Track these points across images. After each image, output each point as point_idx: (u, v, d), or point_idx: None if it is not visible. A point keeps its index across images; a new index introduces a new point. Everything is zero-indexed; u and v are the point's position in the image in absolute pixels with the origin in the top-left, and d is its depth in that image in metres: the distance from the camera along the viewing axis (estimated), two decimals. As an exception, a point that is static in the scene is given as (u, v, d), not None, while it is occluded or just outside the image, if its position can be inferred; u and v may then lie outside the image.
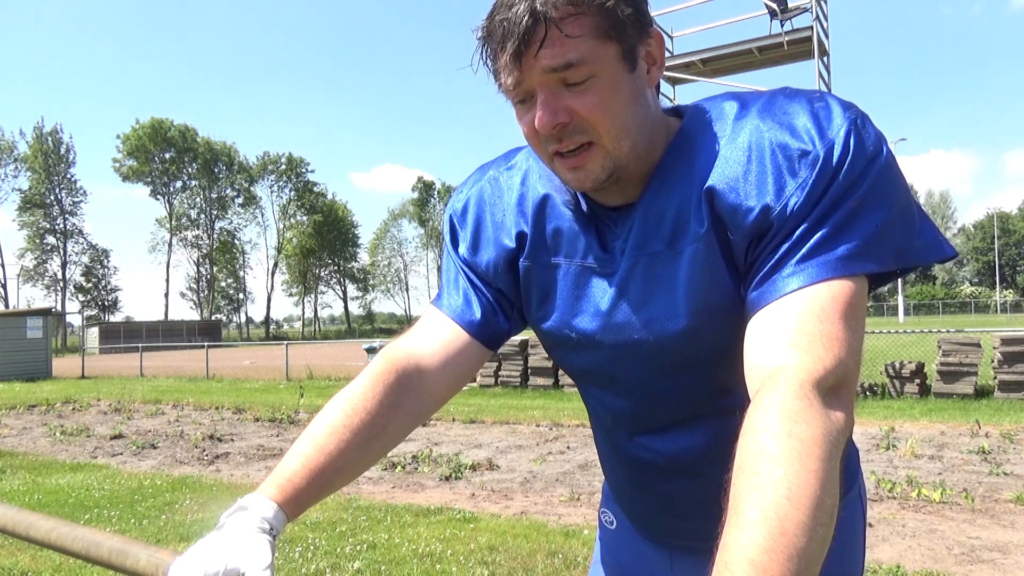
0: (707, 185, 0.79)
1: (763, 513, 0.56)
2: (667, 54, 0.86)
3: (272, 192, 70.77)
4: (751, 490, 0.58)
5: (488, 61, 0.80)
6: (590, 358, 0.93)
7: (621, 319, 0.88)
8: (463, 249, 1.00)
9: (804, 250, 0.73)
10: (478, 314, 0.96)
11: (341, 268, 75.11)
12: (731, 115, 0.81)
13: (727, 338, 0.79)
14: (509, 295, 0.98)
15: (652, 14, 0.83)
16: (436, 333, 0.96)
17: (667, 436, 0.94)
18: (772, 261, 0.75)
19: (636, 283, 0.86)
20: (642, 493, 1.02)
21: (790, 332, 0.70)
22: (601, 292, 0.89)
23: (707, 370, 0.86)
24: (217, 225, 67.73)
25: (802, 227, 0.73)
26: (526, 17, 0.74)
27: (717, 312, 0.81)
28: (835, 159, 0.73)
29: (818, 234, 0.72)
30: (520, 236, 0.94)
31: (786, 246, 0.74)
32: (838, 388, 0.68)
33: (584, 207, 0.89)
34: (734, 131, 0.80)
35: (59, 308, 54.10)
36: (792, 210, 0.73)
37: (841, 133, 0.74)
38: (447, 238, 1.03)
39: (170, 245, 64.99)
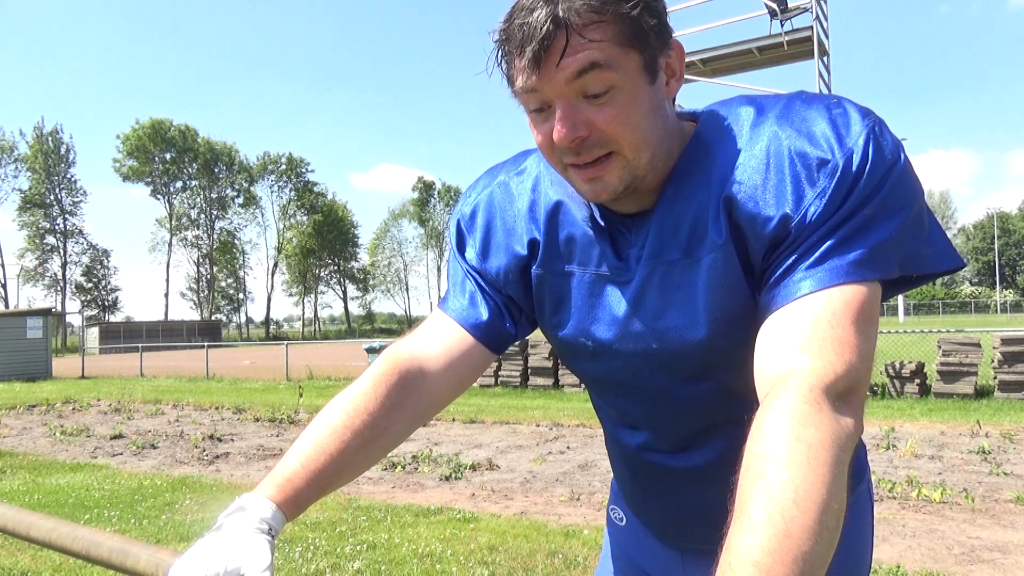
0: (725, 193, 0.78)
1: (769, 515, 0.56)
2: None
3: (272, 192, 70.82)
4: (757, 492, 0.58)
5: (503, 65, 0.79)
6: (607, 366, 0.92)
7: (638, 328, 0.87)
8: (471, 255, 0.98)
9: (817, 255, 0.72)
10: (484, 317, 0.95)
11: (341, 268, 75.09)
12: (748, 121, 0.80)
13: (745, 346, 0.78)
14: (519, 301, 0.97)
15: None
16: (440, 335, 0.95)
17: (681, 451, 0.94)
18: (785, 265, 0.74)
19: (653, 292, 0.85)
20: (653, 500, 1.02)
21: (801, 336, 0.69)
22: (617, 301, 0.88)
23: (725, 378, 0.85)
24: (217, 225, 67.77)
25: (817, 234, 0.73)
26: (547, 22, 0.72)
27: (736, 320, 0.80)
28: (854, 168, 0.72)
29: (831, 240, 0.72)
30: (532, 243, 0.93)
31: (800, 251, 0.73)
32: (848, 393, 0.67)
33: (597, 214, 0.88)
34: (751, 138, 0.79)
35: (59, 308, 54.12)
36: (811, 219, 0.73)
37: (860, 141, 0.73)
38: (454, 243, 1.01)
39: (170, 245, 65.02)
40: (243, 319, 74.84)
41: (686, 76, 13.83)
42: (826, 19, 13.30)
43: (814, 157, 0.74)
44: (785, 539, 0.54)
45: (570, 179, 0.83)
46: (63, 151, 58.01)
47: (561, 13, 0.72)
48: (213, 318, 63.96)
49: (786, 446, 0.60)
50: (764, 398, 0.68)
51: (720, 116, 0.84)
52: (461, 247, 1.00)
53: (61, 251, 58.95)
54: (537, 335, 1.08)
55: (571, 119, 0.76)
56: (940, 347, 9.55)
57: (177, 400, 12.12)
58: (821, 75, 13.11)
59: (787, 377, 0.67)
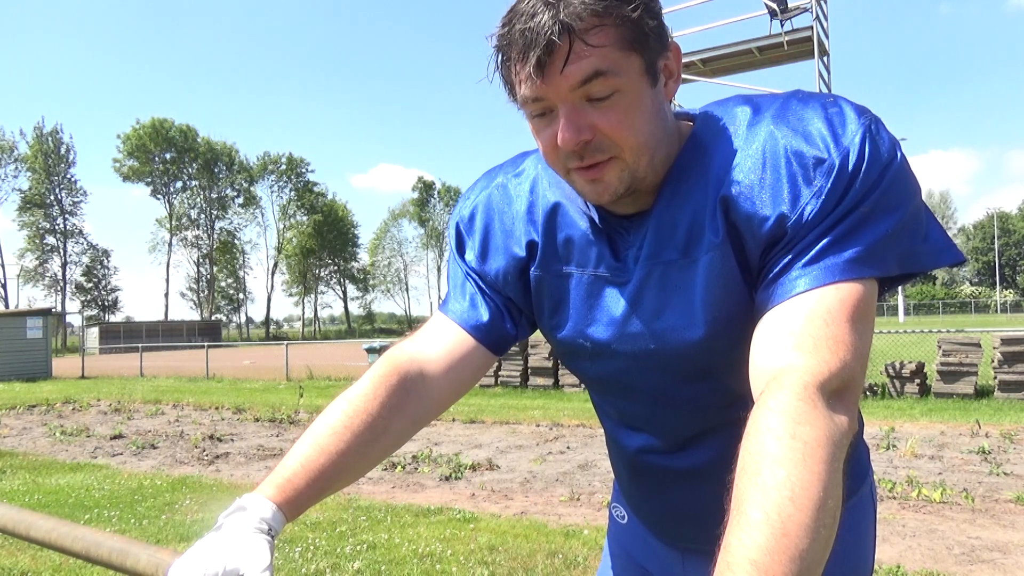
0: (722, 194, 0.78)
1: (766, 514, 0.56)
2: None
3: (272, 192, 70.82)
4: (754, 491, 0.58)
5: (503, 71, 0.78)
6: (605, 367, 0.93)
7: (636, 328, 0.87)
8: (470, 257, 0.98)
9: (812, 253, 0.72)
10: (484, 318, 0.95)
11: (341, 268, 75.06)
12: (744, 121, 0.81)
13: (743, 345, 0.78)
14: (519, 302, 0.97)
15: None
16: (441, 337, 0.95)
17: (680, 451, 0.94)
18: (782, 264, 0.74)
19: (651, 292, 0.85)
20: (652, 500, 1.02)
21: (795, 334, 0.69)
22: (615, 301, 0.88)
23: (723, 377, 0.85)
24: (217, 225, 67.74)
25: (814, 233, 0.73)
26: (550, 27, 0.71)
27: (733, 320, 0.80)
28: (851, 167, 0.72)
29: (828, 238, 0.72)
30: (530, 245, 0.93)
31: (796, 250, 0.74)
32: (842, 391, 0.67)
33: (595, 216, 0.88)
34: (748, 138, 0.79)
35: (59, 308, 54.10)
36: (807, 219, 0.73)
37: (856, 140, 0.73)
38: (453, 245, 1.01)
39: (170, 245, 65.00)
40: (243, 319, 74.87)
41: (686, 76, 13.86)
42: (826, 19, 13.29)
43: (810, 156, 0.74)
44: (782, 537, 0.54)
45: (572, 181, 0.83)
46: (63, 151, 57.99)
47: (564, 18, 0.71)
48: (213, 318, 63.92)
49: (782, 444, 0.60)
50: (759, 396, 0.68)
51: (717, 116, 0.84)
52: (460, 249, 1.00)
53: (61, 251, 58.93)
54: (537, 335, 1.09)
55: (575, 123, 0.75)
56: (940, 347, 9.54)
57: (177, 400, 12.12)
58: (821, 75, 13.11)
59: (782, 375, 0.67)
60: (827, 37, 13.24)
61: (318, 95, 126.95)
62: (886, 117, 0.78)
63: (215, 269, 67.94)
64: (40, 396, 13.46)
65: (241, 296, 71.61)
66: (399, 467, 6.11)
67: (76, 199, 59.59)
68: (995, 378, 9.23)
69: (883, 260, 0.73)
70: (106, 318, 59.49)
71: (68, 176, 58.59)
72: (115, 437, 8.21)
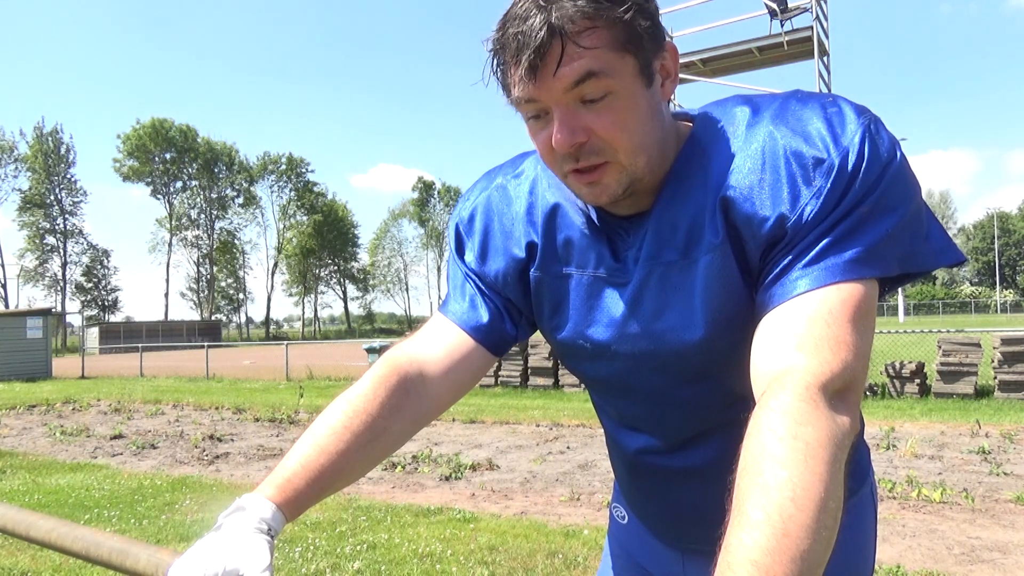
0: (721, 194, 0.78)
1: (767, 514, 0.56)
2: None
3: (272, 192, 70.83)
4: (755, 491, 0.58)
5: (499, 74, 0.79)
6: (605, 368, 0.93)
7: (636, 329, 0.87)
8: (470, 258, 0.98)
9: (813, 253, 0.72)
10: (484, 319, 0.95)
11: (341, 268, 75.07)
12: (743, 121, 0.80)
13: (743, 346, 0.78)
14: (518, 303, 0.97)
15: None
16: (440, 338, 0.95)
17: (680, 450, 0.94)
18: (782, 265, 0.74)
19: (651, 293, 0.85)
20: (652, 501, 1.02)
21: (797, 335, 0.69)
22: (614, 302, 0.88)
23: (724, 378, 0.85)
24: (217, 225, 67.74)
25: (814, 233, 0.73)
26: (542, 30, 0.72)
27: (733, 321, 0.80)
28: (850, 167, 0.72)
29: (828, 238, 0.72)
30: (530, 246, 0.93)
31: (797, 250, 0.74)
32: (844, 392, 0.67)
33: (595, 217, 0.88)
34: (747, 138, 0.79)
35: (59, 308, 54.10)
36: (807, 219, 0.73)
37: (856, 140, 0.73)
38: (453, 247, 1.01)
39: (170, 245, 65.00)
40: (243, 319, 74.85)
41: (686, 76, 13.87)
42: (826, 19, 13.29)
43: (810, 156, 0.74)
44: (783, 538, 0.54)
45: (570, 184, 0.83)
46: (63, 151, 57.98)
47: (555, 21, 0.71)
48: (213, 318, 63.92)
49: (783, 445, 0.60)
50: (760, 397, 0.68)
51: (716, 116, 0.84)
52: (460, 250, 1.00)
53: (61, 251, 58.92)
54: (537, 335, 1.10)
55: (569, 125, 0.76)
56: (940, 347, 9.55)
57: (177, 400, 12.12)
58: (821, 75, 13.11)
59: (783, 375, 0.67)
60: (827, 37, 13.24)
61: (318, 95, 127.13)
62: (886, 117, 0.78)
63: (215, 269, 67.93)
64: (40, 396, 13.46)
65: (241, 296, 71.64)
66: (399, 467, 6.11)
67: (76, 199, 59.64)
68: (995, 378, 9.24)
69: (884, 260, 0.73)
70: (106, 318, 59.50)
71: (68, 176, 58.60)
72: (115, 437, 8.21)
